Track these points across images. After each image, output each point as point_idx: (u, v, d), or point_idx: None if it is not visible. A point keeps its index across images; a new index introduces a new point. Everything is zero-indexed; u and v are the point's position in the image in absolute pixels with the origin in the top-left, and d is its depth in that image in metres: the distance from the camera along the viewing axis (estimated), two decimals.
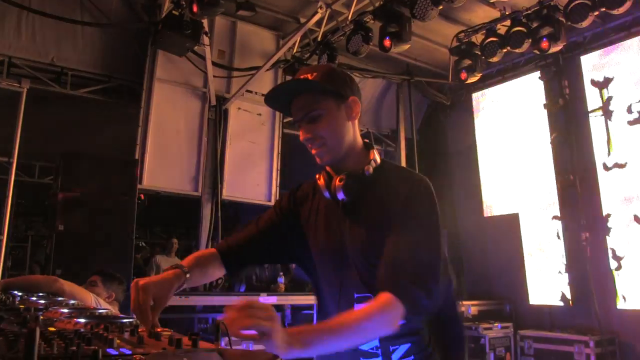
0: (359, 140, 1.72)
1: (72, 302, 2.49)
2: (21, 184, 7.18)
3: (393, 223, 1.53)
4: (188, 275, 1.58)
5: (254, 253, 1.82)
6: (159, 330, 1.38)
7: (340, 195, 1.62)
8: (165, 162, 6.74)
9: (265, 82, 7.51)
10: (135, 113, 6.67)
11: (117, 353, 1.10)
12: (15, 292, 3.22)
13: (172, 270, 1.58)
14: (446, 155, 9.22)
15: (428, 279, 1.45)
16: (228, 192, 7.10)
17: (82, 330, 1.33)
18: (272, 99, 1.73)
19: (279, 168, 7.47)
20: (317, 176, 1.73)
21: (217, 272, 1.79)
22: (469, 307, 7.52)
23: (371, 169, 1.64)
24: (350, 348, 1.55)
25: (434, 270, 1.48)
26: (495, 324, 7.25)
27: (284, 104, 1.70)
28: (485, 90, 8.56)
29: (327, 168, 1.71)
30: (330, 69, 1.69)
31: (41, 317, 1.72)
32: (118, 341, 1.24)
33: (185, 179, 6.94)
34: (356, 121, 1.70)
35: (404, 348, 1.54)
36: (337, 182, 1.64)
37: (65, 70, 6.57)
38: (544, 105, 7.66)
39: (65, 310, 1.88)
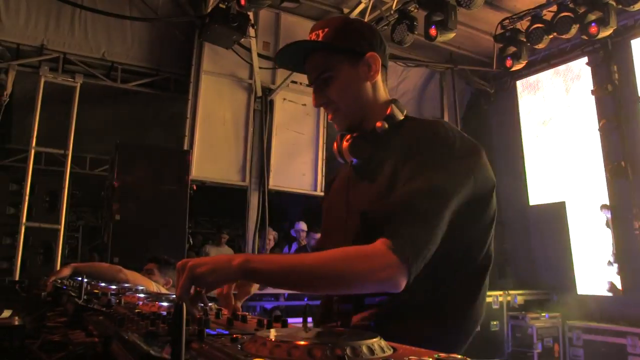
0: (382, 97, 1.52)
1: (140, 287, 2.61)
2: (73, 175, 7.44)
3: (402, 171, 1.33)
4: None
5: None
6: (239, 314, 1.44)
7: (349, 158, 1.48)
8: (213, 152, 6.87)
9: None
10: (183, 105, 6.82)
11: (215, 333, 1.16)
12: (79, 277, 3.36)
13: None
14: (490, 143, 9.09)
15: (420, 231, 1.21)
16: (274, 181, 7.20)
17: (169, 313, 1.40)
18: (283, 60, 1.55)
19: (324, 157, 7.53)
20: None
21: None
22: (515, 296, 7.46)
23: (386, 125, 1.44)
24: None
25: (430, 224, 1.22)
26: (543, 314, 7.17)
27: (297, 63, 1.53)
28: (530, 77, 8.41)
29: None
30: (344, 22, 1.50)
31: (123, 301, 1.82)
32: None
33: (233, 169, 7.06)
34: (378, 78, 1.49)
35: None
36: (344, 143, 1.49)
37: (115, 64, 6.78)
38: (592, 91, 7.48)
39: (142, 295, 1.97)
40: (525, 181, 8.36)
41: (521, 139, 8.46)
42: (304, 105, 7.54)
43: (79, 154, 8.25)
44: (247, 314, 1.50)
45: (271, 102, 7.32)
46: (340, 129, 1.53)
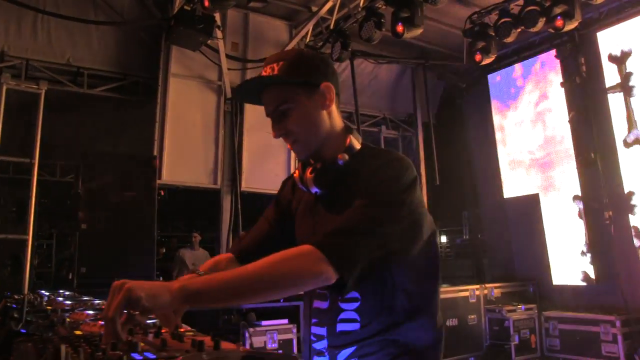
0: (338, 125, 1.59)
1: (97, 302, 2.56)
2: (43, 183, 7.30)
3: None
4: (203, 274, 1.55)
5: (269, 251, 1.79)
6: (182, 330, 1.41)
7: (313, 189, 1.54)
8: (184, 156, 6.80)
9: None
10: (152, 109, 6.72)
11: (141, 358, 1.13)
12: (43, 291, 3.30)
13: (187, 276, 1.55)
14: (464, 137, 9.17)
15: (357, 243, 1.31)
16: (247, 183, 7.15)
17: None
18: (240, 96, 1.66)
19: (294, 157, 7.49)
20: (295, 169, 1.65)
21: None
22: (492, 289, 7.50)
23: (346, 157, 1.51)
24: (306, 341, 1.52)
25: (369, 239, 1.32)
26: (519, 306, 7.22)
27: (254, 97, 1.59)
28: (501, 71, 8.45)
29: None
30: (297, 55, 1.55)
31: (67, 320, 1.77)
32: (142, 344, 1.28)
33: (204, 172, 7.00)
34: (333, 107, 1.56)
35: (347, 351, 1.45)
36: (307, 175, 1.54)
37: (81, 70, 6.66)
38: (561, 83, 7.55)
39: (91, 312, 1.93)
40: (500, 174, 8.42)
41: (494, 131, 8.51)
42: None
43: (50, 161, 8.13)
44: (190, 329, 1.48)
45: (241, 103, 7.25)
46: (300, 158, 1.59)
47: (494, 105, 8.57)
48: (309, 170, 1.54)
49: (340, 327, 1.46)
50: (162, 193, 6.06)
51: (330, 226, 1.44)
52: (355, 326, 1.44)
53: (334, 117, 1.57)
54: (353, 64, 7.53)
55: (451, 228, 11.79)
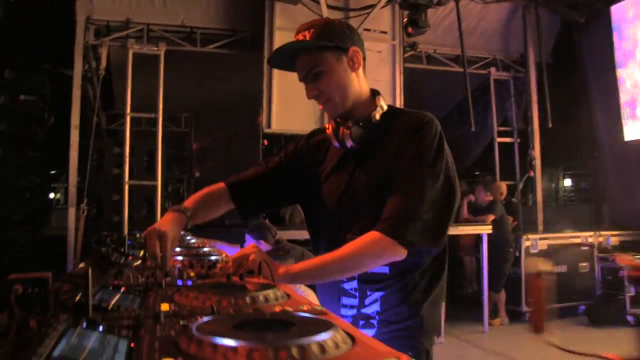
0: (366, 89, 1.75)
1: (193, 240, 2.93)
2: (169, 134, 8.04)
3: (396, 165, 1.61)
4: (189, 214, 1.75)
5: (261, 190, 1.92)
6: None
7: (349, 143, 1.69)
8: (291, 105, 7.05)
9: (383, 19, 7.46)
10: (260, 62, 7.07)
11: (181, 283, 1.45)
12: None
13: (173, 213, 1.75)
14: (582, 77, 8.55)
15: (421, 214, 1.51)
16: None
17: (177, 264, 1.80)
18: (275, 61, 1.82)
19: (402, 103, 7.48)
20: (326, 125, 1.80)
21: (224, 207, 1.92)
22: (608, 237, 7.17)
23: (378, 115, 1.69)
24: (334, 283, 1.72)
25: (430, 206, 1.53)
26: (637, 256, 6.81)
27: (288, 64, 1.76)
28: (627, 1, 7.68)
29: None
30: (326, 23, 1.74)
31: None
32: (192, 273, 1.62)
33: (311, 120, 7.19)
34: (360, 70, 1.73)
35: (376, 295, 1.65)
36: (344, 129, 1.69)
37: (194, 29, 7.18)
38: None
39: (178, 249, 2.29)
40: (621, 116, 7.78)
41: (615, 70, 7.84)
42: (379, 52, 7.46)
43: (173, 114, 8.92)
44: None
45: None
46: (332, 116, 1.76)
47: (617, 41, 7.83)
48: (343, 126, 1.70)
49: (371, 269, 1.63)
50: (266, 143, 6.44)
51: (372, 180, 1.67)
52: (384, 269, 1.63)
53: (361, 80, 1.74)
54: (458, 5, 7.31)
55: (576, 172, 11.21)
